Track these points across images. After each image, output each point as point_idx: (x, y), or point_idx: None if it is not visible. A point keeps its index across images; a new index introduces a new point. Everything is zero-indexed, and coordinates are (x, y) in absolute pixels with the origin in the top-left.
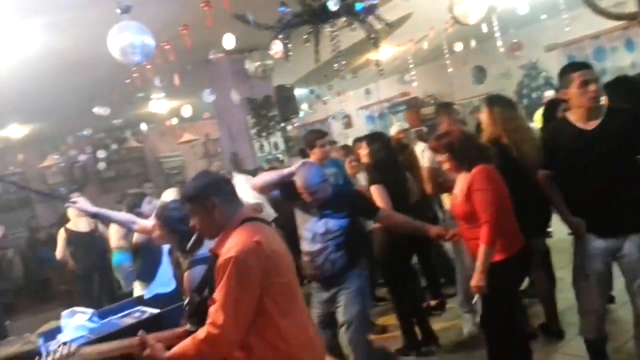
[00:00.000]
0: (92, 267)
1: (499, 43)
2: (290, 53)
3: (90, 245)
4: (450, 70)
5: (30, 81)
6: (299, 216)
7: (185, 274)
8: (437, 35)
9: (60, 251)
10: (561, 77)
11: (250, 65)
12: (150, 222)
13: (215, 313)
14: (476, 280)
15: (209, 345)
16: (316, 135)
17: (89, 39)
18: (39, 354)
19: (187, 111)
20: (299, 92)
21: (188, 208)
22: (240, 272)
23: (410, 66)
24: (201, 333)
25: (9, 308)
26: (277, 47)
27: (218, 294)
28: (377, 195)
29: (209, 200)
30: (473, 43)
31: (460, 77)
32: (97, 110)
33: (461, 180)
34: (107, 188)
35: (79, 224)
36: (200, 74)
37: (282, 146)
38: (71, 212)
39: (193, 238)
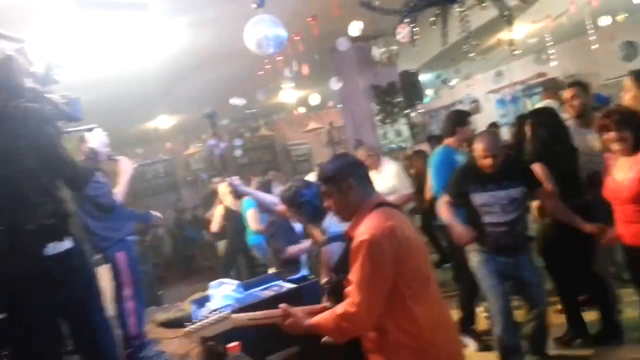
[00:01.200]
0: (240, 244)
1: None
2: (416, 37)
3: (236, 224)
4: (594, 47)
5: (177, 76)
6: (475, 197)
7: (322, 250)
8: (579, 9)
9: (216, 224)
10: None
11: (376, 52)
12: None
13: (352, 292)
14: None
15: (346, 322)
16: (460, 116)
17: (227, 34)
18: (192, 319)
19: (315, 99)
20: (424, 77)
21: (323, 189)
22: (373, 255)
23: (548, 44)
24: (340, 308)
25: (161, 280)
26: (403, 32)
27: (353, 276)
28: (540, 174)
29: (345, 181)
30: (621, 16)
31: (607, 54)
32: (233, 101)
33: (626, 163)
34: (241, 174)
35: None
36: (326, 63)
37: (405, 133)
38: (222, 193)
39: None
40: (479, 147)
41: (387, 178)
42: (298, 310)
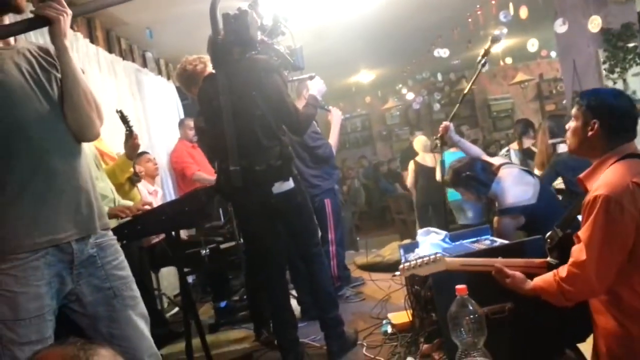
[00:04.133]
0: (430, 199)
1: None
2: None
3: (432, 179)
4: None
5: (380, 28)
6: None
7: (495, 220)
8: None
9: (410, 181)
10: None
11: None
12: (491, 160)
13: (578, 253)
14: None
15: (570, 285)
16: None
17: None
18: (401, 262)
19: (533, 46)
20: None
21: (574, 110)
22: (608, 213)
23: None
24: (563, 271)
25: (356, 228)
26: None
27: (583, 234)
28: None
29: (592, 120)
30: None
31: None
32: (437, 52)
33: None
34: (435, 130)
35: (426, 158)
36: (539, 7)
37: (635, 85)
38: (418, 147)
39: None
40: None
41: None
42: (513, 263)
